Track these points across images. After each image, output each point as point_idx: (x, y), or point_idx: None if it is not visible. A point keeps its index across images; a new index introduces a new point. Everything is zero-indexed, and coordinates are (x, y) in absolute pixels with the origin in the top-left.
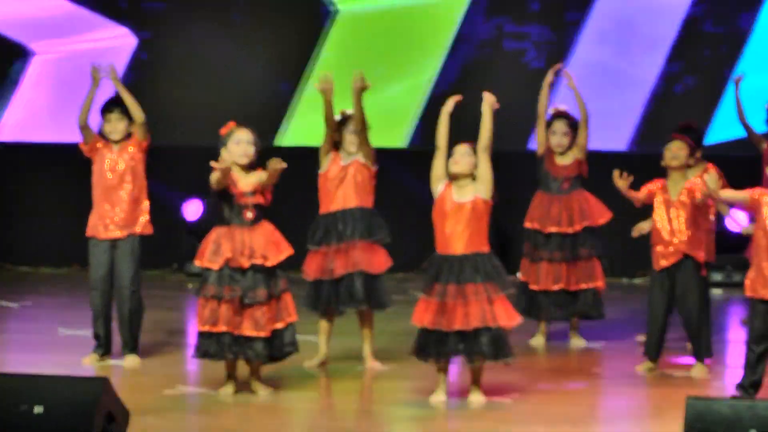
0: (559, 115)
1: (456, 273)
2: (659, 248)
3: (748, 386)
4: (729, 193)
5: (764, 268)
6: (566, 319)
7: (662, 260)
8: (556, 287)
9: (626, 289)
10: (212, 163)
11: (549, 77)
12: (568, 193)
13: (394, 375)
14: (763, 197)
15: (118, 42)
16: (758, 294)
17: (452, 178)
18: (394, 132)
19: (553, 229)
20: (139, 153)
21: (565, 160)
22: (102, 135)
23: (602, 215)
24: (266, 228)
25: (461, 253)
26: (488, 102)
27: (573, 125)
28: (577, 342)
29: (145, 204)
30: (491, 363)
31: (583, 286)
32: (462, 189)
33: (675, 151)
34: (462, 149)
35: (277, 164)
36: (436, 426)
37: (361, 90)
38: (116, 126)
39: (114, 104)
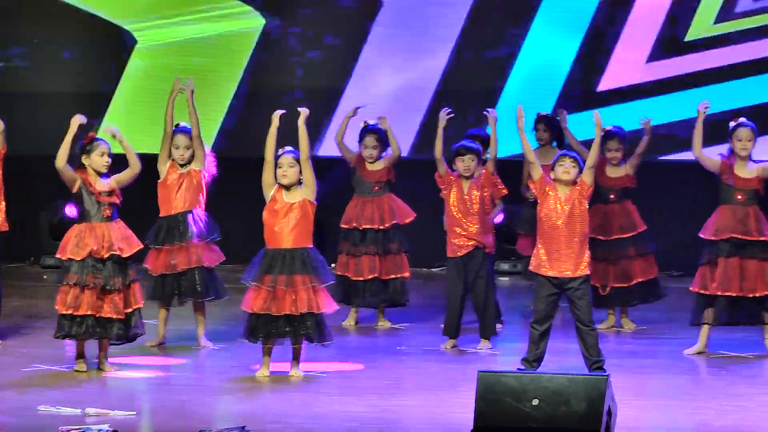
0: (367, 129)
1: (287, 265)
2: (455, 239)
3: (533, 360)
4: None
5: (544, 250)
6: (376, 306)
7: (458, 250)
8: (370, 276)
9: (426, 277)
10: None
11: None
12: (379, 195)
13: (224, 354)
14: (546, 186)
15: None
16: (539, 271)
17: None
18: None
19: (367, 226)
20: None
21: (376, 167)
22: None
23: (408, 215)
24: (120, 224)
25: (290, 248)
26: (302, 117)
27: (381, 138)
28: (384, 323)
29: (2, 205)
30: (315, 344)
31: (393, 276)
32: (291, 192)
33: (467, 162)
34: (287, 160)
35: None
36: (260, 397)
37: (186, 97)
38: None
39: None
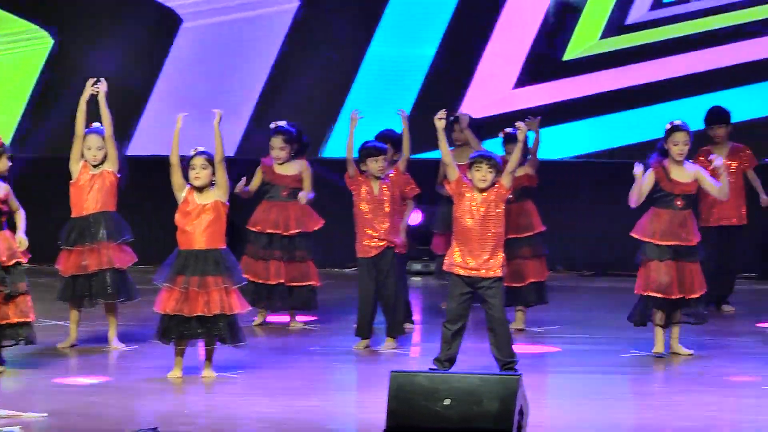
0: (274, 130)
1: (200, 266)
2: (366, 240)
3: (444, 360)
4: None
5: (459, 250)
6: (285, 310)
7: (370, 250)
8: (275, 281)
9: (338, 278)
10: None
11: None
12: (287, 201)
13: (136, 355)
14: (462, 187)
15: None
16: (453, 270)
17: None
18: None
19: (271, 231)
20: None
21: (285, 170)
22: None
23: (316, 222)
24: (10, 233)
25: (203, 249)
26: (217, 118)
27: (288, 140)
28: (296, 325)
29: None
30: (228, 345)
31: (299, 283)
32: (203, 194)
33: (380, 163)
34: (200, 162)
35: None
36: (172, 398)
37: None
38: None
39: None
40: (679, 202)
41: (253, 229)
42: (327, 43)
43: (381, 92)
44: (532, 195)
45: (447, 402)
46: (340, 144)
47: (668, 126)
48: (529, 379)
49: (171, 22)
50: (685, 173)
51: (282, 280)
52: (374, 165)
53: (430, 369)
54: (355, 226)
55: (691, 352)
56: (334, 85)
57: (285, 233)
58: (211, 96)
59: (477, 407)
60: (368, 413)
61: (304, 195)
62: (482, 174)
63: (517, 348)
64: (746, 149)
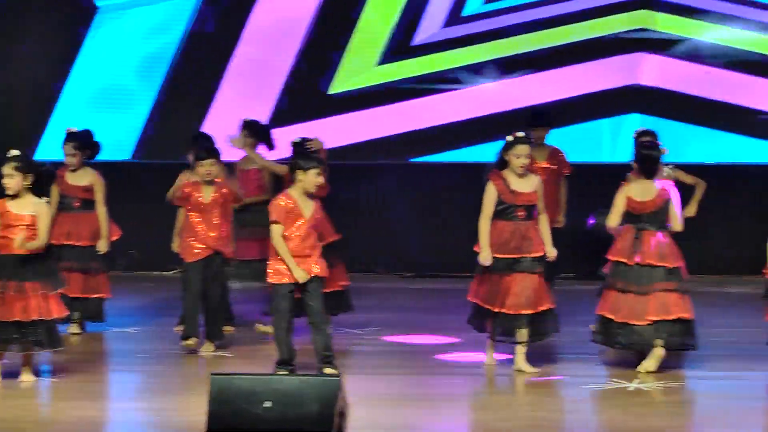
0: (67, 135)
1: (18, 271)
2: (194, 243)
3: (288, 359)
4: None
5: (278, 261)
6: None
7: (197, 254)
8: (71, 294)
9: (158, 281)
10: None
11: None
12: (79, 212)
13: None
14: (278, 202)
15: None
16: (277, 280)
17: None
18: None
19: (65, 242)
20: None
21: (77, 180)
22: None
23: (113, 233)
24: None
25: (21, 254)
26: None
27: (81, 146)
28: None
29: None
30: (46, 351)
31: (92, 295)
32: (19, 203)
33: (208, 167)
34: (7, 170)
35: None
36: None
37: None
38: None
39: None
40: (521, 213)
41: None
42: None
43: None
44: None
45: (267, 404)
46: None
47: (510, 138)
48: (350, 380)
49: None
50: (527, 183)
51: (78, 293)
52: (202, 170)
53: (279, 371)
54: (184, 230)
55: (537, 370)
56: None
57: (77, 244)
58: None
59: (297, 409)
60: (189, 416)
61: (105, 244)
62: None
63: (338, 350)
64: (561, 152)
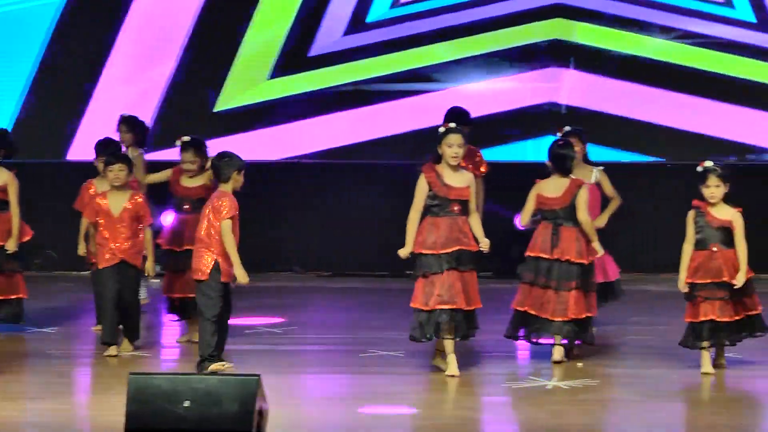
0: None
1: None
2: (105, 249)
3: (213, 356)
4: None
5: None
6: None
7: (110, 260)
8: None
9: (76, 281)
10: None
11: None
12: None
13: None
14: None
15: None
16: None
17: None
18: None
19: None
20: None
21: None
22: None
23: (25, 234)
24: None
25: None
26: None
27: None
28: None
29: None
30: None
31: (7, 296)
32: None
33: (116, 172)
34: None
35: None
36: None
37: None
38: None
39: None
40: (456, 208)
41: None
42: None
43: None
44: None
45: (186, 403)
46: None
47: (442, 129)
48: (270, 379)
49: None
50: (460, 177)
51: None
52: (111, 175)
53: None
54: (97, 235)
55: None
56: None
57: None
58: None
59: (216, 408)
60: (107, 416)
61: (14, 244)
62: None
63: (257, 349)
64: (479, 153)
